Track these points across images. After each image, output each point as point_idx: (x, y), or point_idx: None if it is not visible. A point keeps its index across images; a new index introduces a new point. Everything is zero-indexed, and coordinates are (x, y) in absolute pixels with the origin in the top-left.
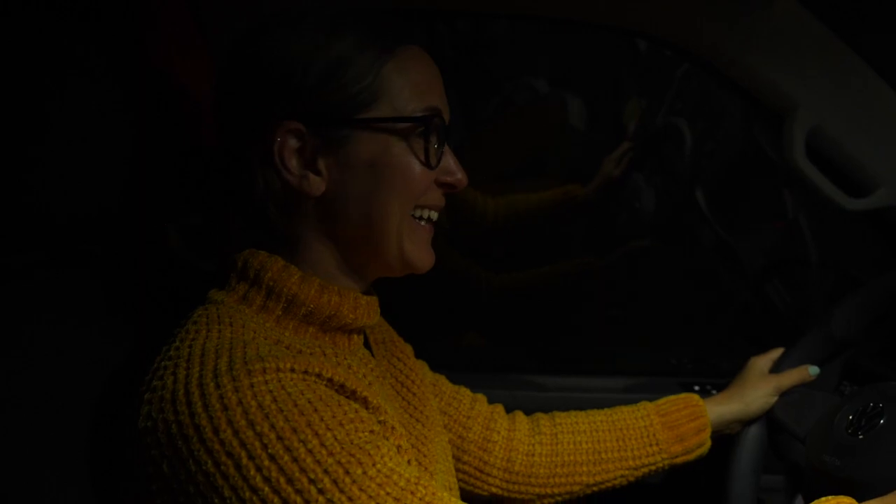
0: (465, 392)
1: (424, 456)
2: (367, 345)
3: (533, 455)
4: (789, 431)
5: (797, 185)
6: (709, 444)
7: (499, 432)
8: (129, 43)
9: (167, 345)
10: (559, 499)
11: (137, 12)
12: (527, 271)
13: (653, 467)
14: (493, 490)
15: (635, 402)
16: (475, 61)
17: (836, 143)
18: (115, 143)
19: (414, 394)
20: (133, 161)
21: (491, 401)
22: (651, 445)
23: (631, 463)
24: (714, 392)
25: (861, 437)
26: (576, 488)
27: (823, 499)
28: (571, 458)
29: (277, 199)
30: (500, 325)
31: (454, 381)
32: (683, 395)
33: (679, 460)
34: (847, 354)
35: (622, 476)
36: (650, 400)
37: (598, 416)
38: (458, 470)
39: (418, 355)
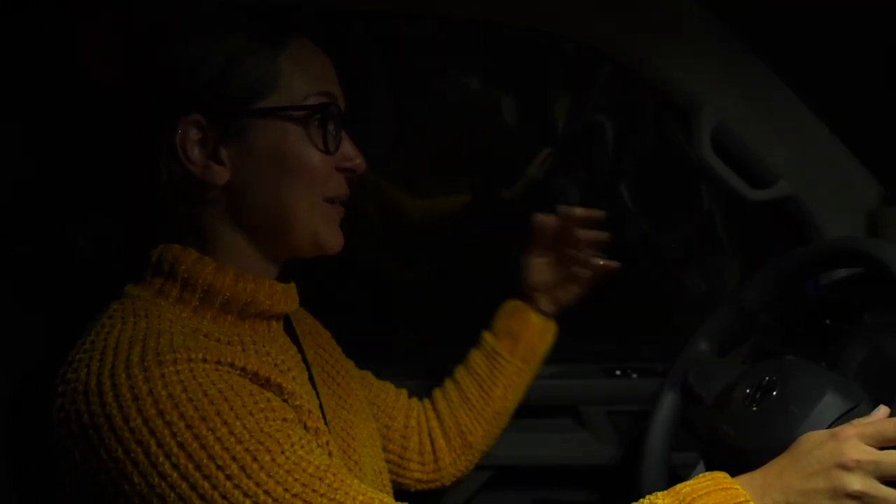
0: (389, 386)
1: (354, 438)
2: (293, 334)
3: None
4: (701, 398)
5: (709, 179)
6: (539, 319)
7: (416, 419)
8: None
9: (81, 339)
10: (472, 467)
11: (51, 14)
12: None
13: (517, 378)
14: (416, 475)
15: (562, 389)
16: (405, 59)
17: (739, 138)
18: (12, 138)
19: (338, 383)
20: (35, 156)
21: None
22: (500, 367)
23: (499, 392)
24: (635, 376)
25: (755, 409)
26: (478, 455)
27: (701, 475)
28: (469, 437)
29: (183, 190)
30: (429, 316)
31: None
32: (508, 306)
33: (538, 353)
34: (760, 334)
35: (507, 409)
36: (577, 386)
37: (460, 374)
38: (385, 461)
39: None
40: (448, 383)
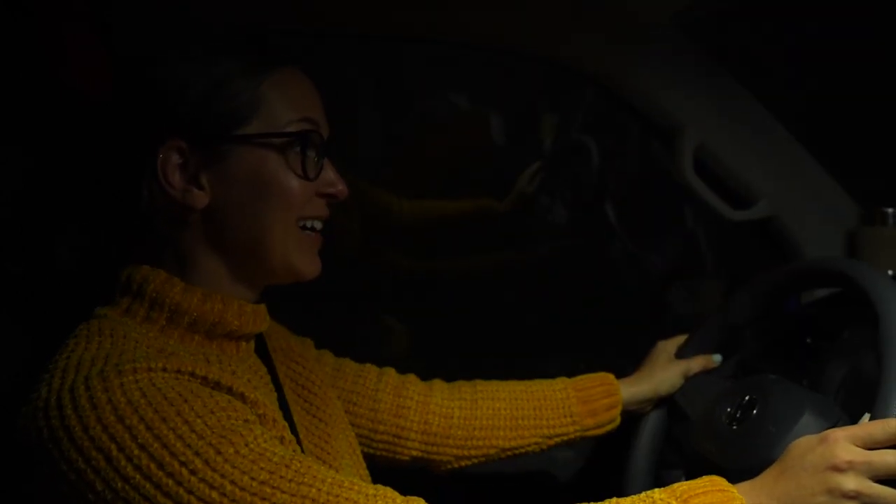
0: (370, 367)
1: (328, 453)
2: (265, 353)
3: (451, 417)
4: (686, 415)
5: (693, 199)
6: (618, 420)
7: (412, 398)
8: (23, 55)
9: (49, 360)
10: (475, 461)
11: (38, 28)
12: (451, 260)
13: (566, 437)
14: (413, 453)
15: None
16: (394, 79)
17: (721, 160)
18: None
19: (315, 394)
20: (25, 172)
21: None
22: (566, 416)
23: (546, 431)
24: None
25: (735, 427)
26: (492, 451)
27: (700, 478)
28: (490, 422)
29: (163, 212)
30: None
31: None
32: (599, 374)
33: (590, 433)
34: (744, 351)
35: (536, 443)
36: None
37: (518, 386)
38: (376, 441)
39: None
40: (502, 392)
